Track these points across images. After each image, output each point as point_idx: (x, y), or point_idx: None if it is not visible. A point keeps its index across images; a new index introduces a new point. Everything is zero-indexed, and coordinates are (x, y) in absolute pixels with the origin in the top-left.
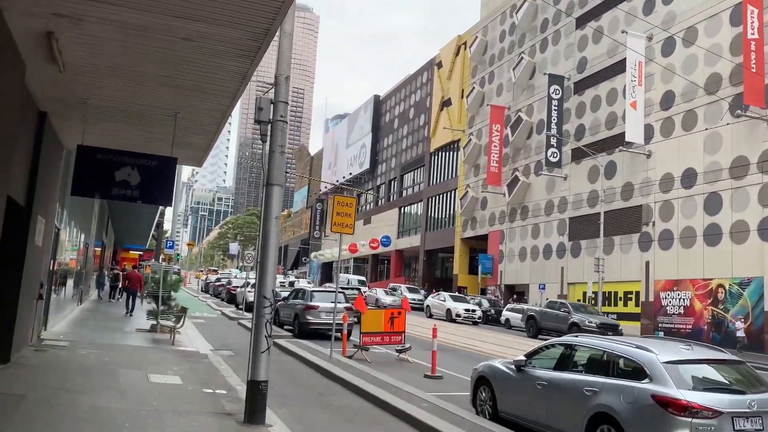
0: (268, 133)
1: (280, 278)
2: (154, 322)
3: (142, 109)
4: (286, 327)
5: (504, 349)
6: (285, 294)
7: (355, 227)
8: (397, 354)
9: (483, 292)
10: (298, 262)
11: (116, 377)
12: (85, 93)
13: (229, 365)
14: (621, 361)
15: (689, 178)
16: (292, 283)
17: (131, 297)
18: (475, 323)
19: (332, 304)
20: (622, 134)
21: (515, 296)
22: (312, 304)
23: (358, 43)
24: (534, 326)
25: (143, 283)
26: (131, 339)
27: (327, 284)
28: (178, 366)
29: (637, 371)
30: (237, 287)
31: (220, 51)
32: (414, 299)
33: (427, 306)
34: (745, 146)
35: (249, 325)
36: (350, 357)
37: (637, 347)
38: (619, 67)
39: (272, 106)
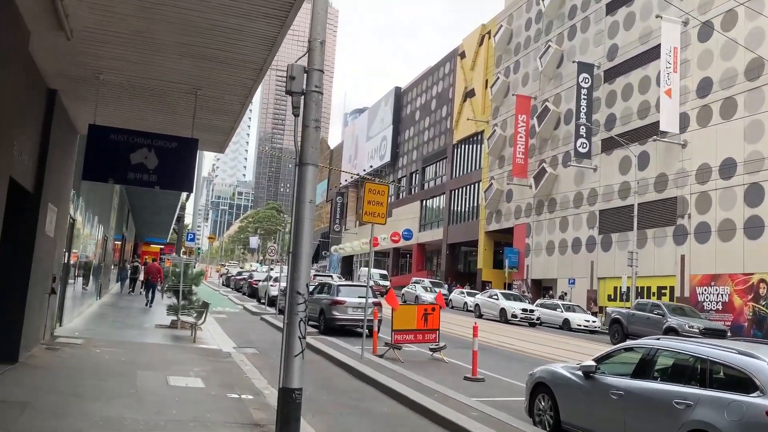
0: (301, 106)
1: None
2: (175, 318)
3: (159, 86)
4: (310, 322)
5: (550, 350)
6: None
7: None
8: (431, 353)
9: (508, 286)
10: (318, 256)
11: (133, 380)
12: (97, 66)
13: (254, 365)
14: (720, 370)
15: (728, 168)
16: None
17: (151, 289)
18: (532, 324)
19: (360, 299)
20: (656, 123)
21: (549, 292)
22: (339, 299)
23: (376, 37)
24: (620, 331)
25: (163, 275)
26: (150, 336)
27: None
28: (200, 366)
29: (743, 382)
30: (259, 281)
31: (247, 11)
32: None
33: (477, 305)
34: None
35: (272, 320)
36: (381, 356)
37: (740, 353)
38: (652, 54)
39: (305, 74)
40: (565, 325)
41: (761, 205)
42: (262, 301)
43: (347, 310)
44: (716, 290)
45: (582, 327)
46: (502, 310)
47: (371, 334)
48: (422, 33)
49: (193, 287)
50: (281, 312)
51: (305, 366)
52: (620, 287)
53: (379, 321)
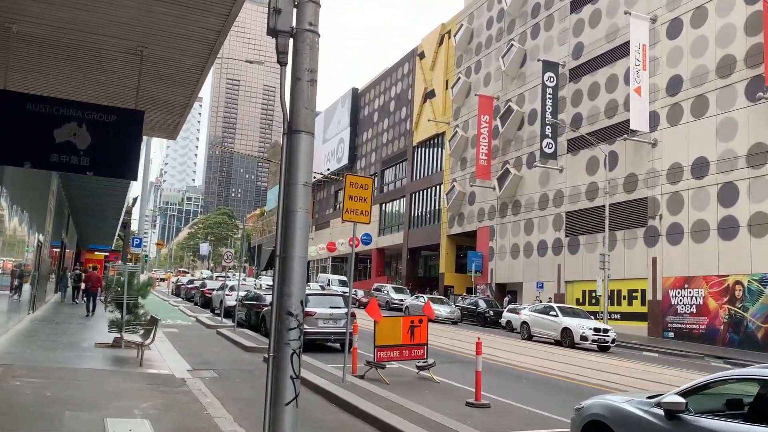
0: (289, 51)
1: (251, 280)
2: (118, 335)
3: (93, 42)
4: None
5: (546, 363)
6: (266, 296)
7: (332, 225)
8: (417, 371)
9: (471, 291)
10: (272, 263)
11: (57, 427)
12: (6, 13)
13: (215, 395)
14: None
15: (700, 167)
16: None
17: (92, 298)
18: (603, 349)
19: (332, 310)
20: (624, 123)
21: (509, 295)
22: (307, 309)
23: (331, 40)
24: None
25: (102, 284)
26: (88, 359)
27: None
28: (148, 401)
29: None
30: (212, 290)
31: None
32: (402, 300)
33: (525, 324)
34: (764, 132)
35: (230, 334)
36: (362, 376)
37: None
38: (619, 52)
39: (295, 7)
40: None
41: (735, 205)
42: (217, 312)
43: (317, 322)
44: (690, 293)
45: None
46: (566, 331)
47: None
48: (379, 37)
49: (140, 299)
50: (240, 325)
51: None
52: (591, 291)
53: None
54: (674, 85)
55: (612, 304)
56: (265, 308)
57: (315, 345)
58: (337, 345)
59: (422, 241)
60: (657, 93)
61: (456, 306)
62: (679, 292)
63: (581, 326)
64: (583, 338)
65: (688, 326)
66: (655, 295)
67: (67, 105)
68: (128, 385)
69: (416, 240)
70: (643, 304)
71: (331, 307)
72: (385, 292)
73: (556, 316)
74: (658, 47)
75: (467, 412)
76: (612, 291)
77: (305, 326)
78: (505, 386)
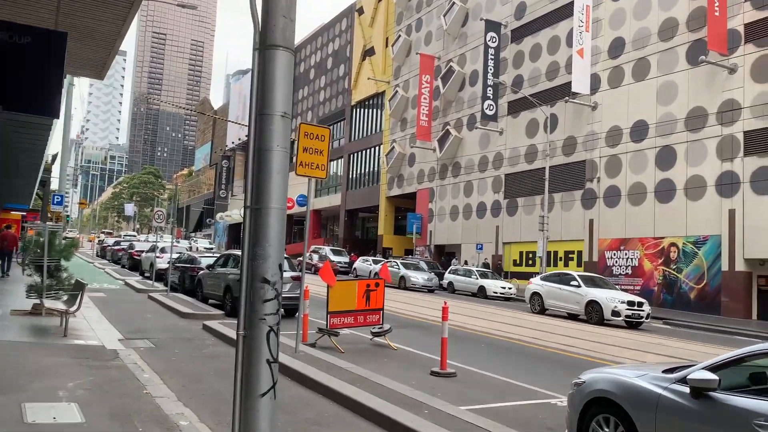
0: None
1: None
2: (38, 302)
3: None
4: (211, 302)
5: (489, 324)
6: (201, 259)
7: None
8: (372, 337)
9: (410, 252)
10: (202, 224)
11: None
12: None
13: (153, 369)
14: None
15: (640, 131)
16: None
17: (6, 258)
18: (634, 326)
19: None
20: (564, 85)
21: (444, 257)
22: None
23: None
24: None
25: (18, 244)
26: (2, 329)
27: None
28: (76, 378)
29: None
30: (141, 252)
31: None
32: (341, 262)
33: (536, 295)
34: (703, 96)
35: (163, 299)
36: (313, 345)
37: None
38: (562, 13)
39: None
40: (480, 293)
41: (673, 169)
42: (147, 275)
43: None
44: (626, 254)
45: (498, 294)
46: (593, 305)
47: (290, 315)
48: None
49: (63, 262)
50: (173, 289)
51: (209, 359)
52: (528, 252)
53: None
54: (616, 47)
55: (549, 265)
56: (201, 271)
57: None
58: (282, 311)
59: (360, 202)
60: (599, 55)
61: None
62: (615, 254)
63: (612, 299)
64: (615, 313)
65: (623, 287)
66: (591, 256)
67: None
68: (51, 360)
69: (354, 202)
70: (579, 265)
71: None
72: (323, 254)
73: (578, 286)
74: (601, 8)
75: (433, 382)
76: (549, 252)
77: None
78: (453, 348)
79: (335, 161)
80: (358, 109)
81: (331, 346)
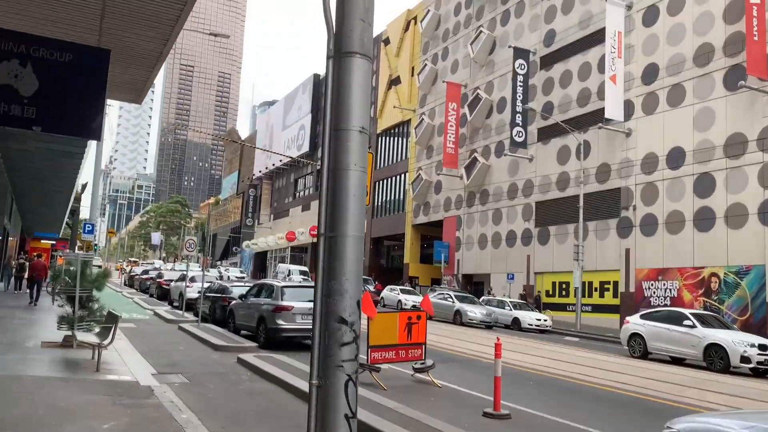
0: None
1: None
2: (69, 333)
3: None
4: (243, 333)
5: (535, 360)
6: (233, 289)
7: (292, 214)
8: (414, 373)
9: (437, 282)
10: (228, 252)
11: None
12: None
13: (190, 408)
14: None
15: (676, 158)
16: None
17: (36, 286)
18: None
19: (309, 304)
20: (597, 112)
21: (472, 286)
22: (284, 304)
23: (286, 27)
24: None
25: (48, 272)
26: (33, 363)
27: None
28: (111, 419)
29: None
30: (170, 281)
31: None
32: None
33: (636, 335)
34: (742, 122)
35: (194, 330)
36: None
37: None
38: (593, 39)
39: None
40: (515, 325)
41: (712, 196)
42: (176, 304)
43: (295, 317)
44: (664, 285)
45: (533, 327)
46: (715, 349)
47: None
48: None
49: (95, 292)
50: (204, 320)
51: (246, 395)
52: (562, 282)
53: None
54: (650, 73)
55: (583, 296)
56: (233, 302)
57: (293, 343)
58: (309, 342)
59: (386, 230)
60: (632, 81)
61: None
62: (652, 284)
63: (740, 342)
64: (745, 360)
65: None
66: (627, 287)
67: (6, 37)
68: (84, 398)
69: (380, 229)
70: (615, 296)
71: (309, 301)
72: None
73: (693, 326)
74: (633, 35)
75: (488, 425)
76: (584, 283)
77: (281, 322)
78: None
79: None
80: (383, 138)
81: (372, 382)
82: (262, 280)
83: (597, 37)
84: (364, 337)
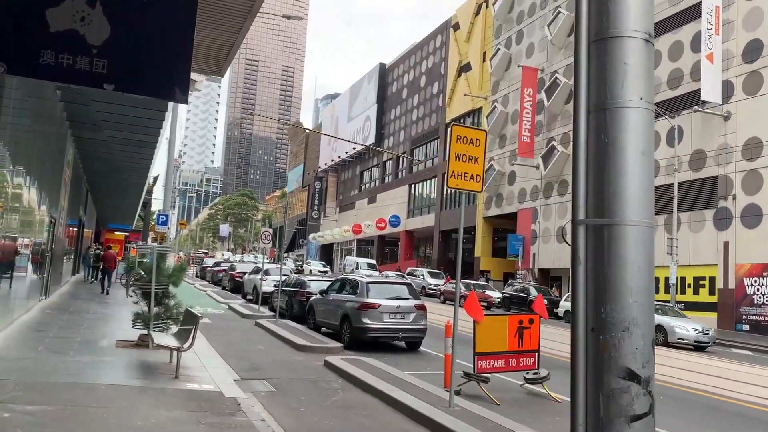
0: None
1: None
2: (144, 332)
3: None
4: (324, 331)
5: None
6: (311, 283)
7: (358, 207)
8: (522, 382)
9: (511, 276)
10: (294, 245)
11: None
12: None
13: (282, 426)
14: None
15: None
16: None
17: (107, 276)
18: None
19: (397, 302)
20: (690, 94)
21: (550, 281)
22: (370, 301)
23: (346, 24)
24: None
25: (117, 263)
26: (107, 368)
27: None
28: None
29: None
30: (243, 274)
31: None
32: (437, 285)
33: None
34: None
35: (272, 327)
36: (458, 392)
37: None
38: (685, 16)
39: None
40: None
41: None
42: (250, 297)
43: (382, 316)
44: None
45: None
46: None
47: (413, 349)
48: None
49: (171, 288)
50: (282, 315)
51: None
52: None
53: (419, 331)
54: (753, 50)
55: (677, 292)
56: (313, 297)
57: (379, 343)
58: (401, 343)
59: (455, 223)
60: (731, 60)
61: (501, 292)
62: (756, 281)
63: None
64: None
65: (767, 318)
66: (726, 283)
67: None
68: (164, 415)
69: (449, 222)
70: (711, 293)
71: (397, 299)
72: (420, 276)
73: None
74: (732, 9)
75: None
76: (677, 278)
77: (367, 321)
78: None
79: (428, 181)
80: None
81: (479, 394)
82: (344, 276)
83: (690, 13)
84: (469, 342)
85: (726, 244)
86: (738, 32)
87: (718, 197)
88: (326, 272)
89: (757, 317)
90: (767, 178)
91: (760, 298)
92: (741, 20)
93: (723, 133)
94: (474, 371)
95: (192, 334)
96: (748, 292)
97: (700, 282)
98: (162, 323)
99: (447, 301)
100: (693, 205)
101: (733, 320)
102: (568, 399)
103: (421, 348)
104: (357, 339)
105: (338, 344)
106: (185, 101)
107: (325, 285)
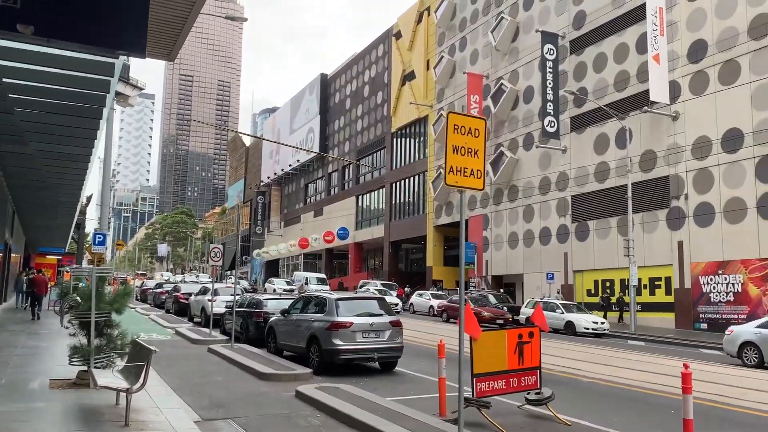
0: None
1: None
2: (84, 369)
3: None
4: (287, 354)
5: (635, 375)
6: (268, 302)
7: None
8: (523, 404)
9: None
10: (236, 262)
11: None
12: None
13: None
14: None
15: (733, 140)
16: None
17: (37, 302)
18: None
19: (370, 319)
20: (637, 95)
21: (504, 288)
22: (340, 320)
23: (285, 37)
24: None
25: (49, 288)
26: (38, 416)
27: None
28: None
29: None
30: (189, 295)
31: None
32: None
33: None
34: None
35: (227, 353)
36: (454, 421)
37: None
38: (628, 19)
39: None
40: (568, 329)
41: None
42: (197, 320)
43: (355, 336)
44: (726, 279)
45: (589, 331)
46: None
47: (388, 369)
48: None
49: (114, 316)
50: (237, 339)
51: None
52: (605, 281)
53: (396, 350)
54: (697, 51)
55: (638, 294)
56: (272, 318)
57: (351, 366)
58: (374, 365)
59: (406, 233)
60: (676, 61)
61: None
62: (711, 279)
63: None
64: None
65: (724, 316)
66: (682, 283)
67: None
68: None
69: (399, 232)
70: (668, 293)
71: (369, 315)
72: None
73: None
74: (675, 10)
75: None
76: (637, 280)
77: (339, 342)
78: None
79: (376, 191)
80: (399, 137)
81: (480, 421)
82: (309, 293)
83: (634, 16)
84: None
85: (680, 244)
86: (682, 33)
87: (670, 197)
88: (293, 290)
89: (714, 315)
90: (718, 176)
91: (716, 296)
92: (685, 21)
93: (672, 133)
94: (473, 395)
95: (144, 372)
96: (704, 291)
97: (656, 283)
98: (105, 357)
99: (416, 312)
100: (645, 205)
101: (691, 319)
102: (578, 421)
103: (396, 368)
104: (327, 363)
105: (306, 369)
106: (143, 52)
107: (284, 304)
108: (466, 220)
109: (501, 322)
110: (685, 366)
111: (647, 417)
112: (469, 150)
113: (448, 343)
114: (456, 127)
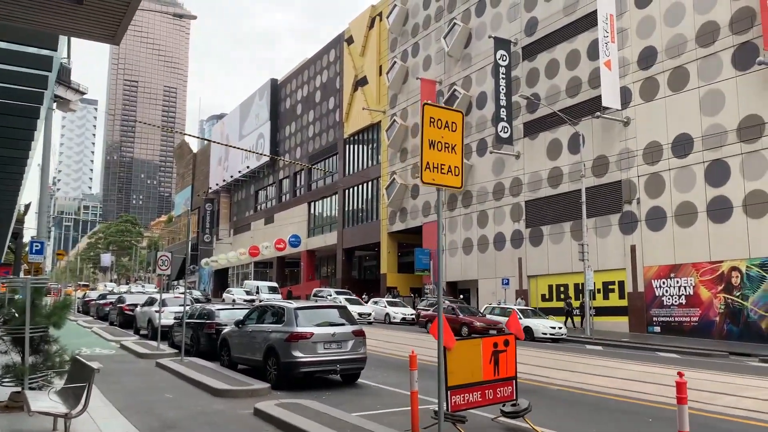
0: None
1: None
2: (17, 389)
3: None
4: (241, 368)
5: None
6: (220, 313)
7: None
8: (498, 416)
9: (417, 291)
10: (184, 271)
11: None
12: None
13: None
14: None
15: (683, 145)
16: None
17: None
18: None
19: (331, 329)
20: (590, 101)
21: (460, 296)
22: (300, 330)
23: (231, 43)
24: None
25: None
26: None
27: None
28: None
29: None
30: (134, 306)
31: None
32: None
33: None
34: (756, 102)
35: (177, 367)
36: None
37: None
38: (580, 26)
39: None
40: (527, 335)
41: (727, 184)
42: (144, 332)
43: (316, 347)
44: (677, 282)
45: (547, 336)
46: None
47: (350, 382)
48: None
49: (52, 330)
50: (187, 353)
51: None
52: (559, 285)
53: (359, 361)
54: (647, 57)
55: (593, 298)
56: (225, 329)
57: (312, 379)
58: (335, 377)
59: (359, 240)
60: (627, 67)
61: (415, 309)
62: (664, 282)
63: None
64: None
65: (677, 319)
66: (635, 286)
67: None
68: None
69: (352, 239)
70: (621, 297)
71: (330, 325)
72: (328, 297)
73: None
74: (626, 17)
75: None
76: (583, 285)
77: (298, 354)
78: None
79: (328, 198)
80: (351, 143)
81: None
82: (264, 303)
83: (585, 23)
84: (425, 371)
85: (633, 248)
86: (633, 40)
87: (622, 201)
88: (253, 300)
89: (667, 318)
90: (669, 181)
91: (669, 299)
92: (635, 28)
93: (624, 138)
94: (447, 409)
95: (85, 394)
96: (657, 294)
97: (610, 287)
98: (41, 376)
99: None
100: (598, 210)
101: (644, 323)
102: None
103: (359, 380)
104: (287, 376)
105: (264, 384)
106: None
107: (238, 314)
108: (421, 226)
109: (494, 332)
110: (680, 374)
111: (626, 427)
112: (446, 145)
113: (376, 345)
114: (432, 120)
